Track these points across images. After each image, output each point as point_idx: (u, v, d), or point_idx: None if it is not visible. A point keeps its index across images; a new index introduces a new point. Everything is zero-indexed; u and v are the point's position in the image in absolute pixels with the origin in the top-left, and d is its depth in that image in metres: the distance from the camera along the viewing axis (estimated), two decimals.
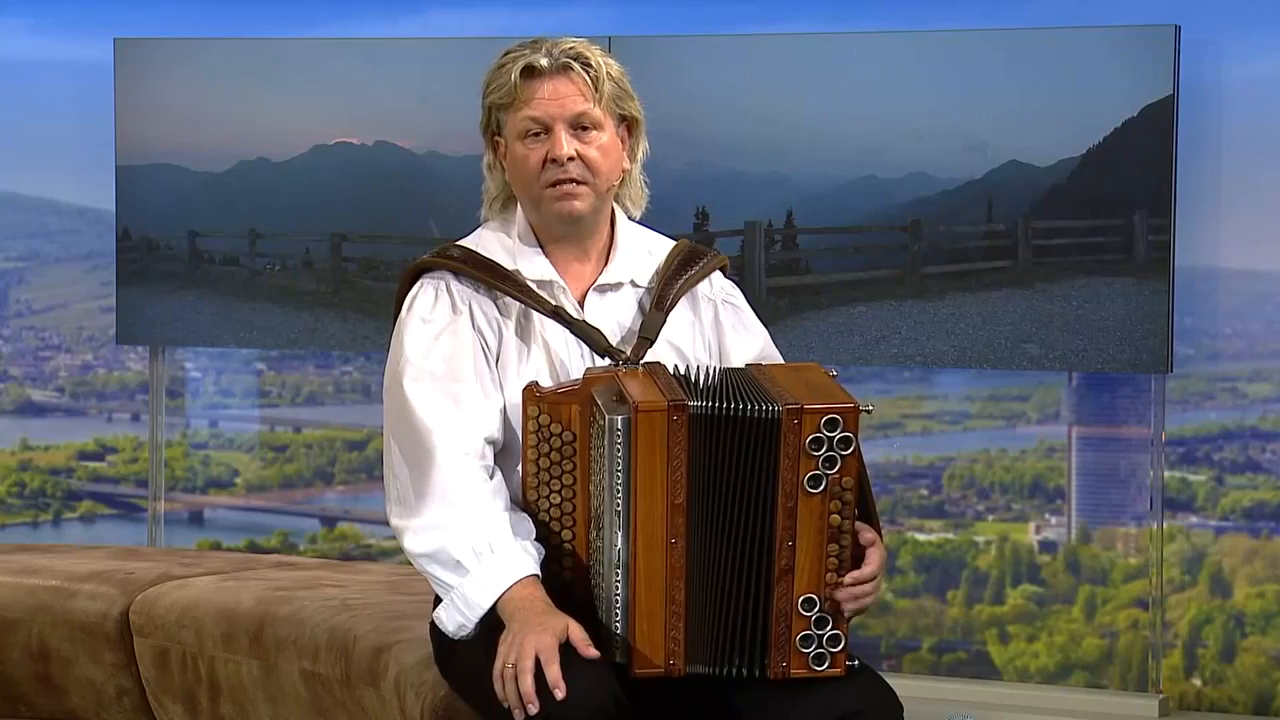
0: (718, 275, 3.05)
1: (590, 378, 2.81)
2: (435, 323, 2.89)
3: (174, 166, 5.65)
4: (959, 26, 5.10)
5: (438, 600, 2.83)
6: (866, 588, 2.78)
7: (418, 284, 2.94)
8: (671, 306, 2.95)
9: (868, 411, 2.75)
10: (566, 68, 2.87)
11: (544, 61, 2.87)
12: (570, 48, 2.89)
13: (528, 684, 2.63)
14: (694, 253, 3.04)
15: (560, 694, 2.61)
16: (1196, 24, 4.92)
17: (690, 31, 5.31)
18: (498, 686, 2.67)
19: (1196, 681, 5.15)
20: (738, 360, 2.98)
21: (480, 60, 3.01)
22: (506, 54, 2.91)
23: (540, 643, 2.65)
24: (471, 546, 2.75)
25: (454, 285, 2.92)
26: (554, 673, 2.62)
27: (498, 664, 2.67)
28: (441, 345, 2.87)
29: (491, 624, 2.75)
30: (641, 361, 2.88)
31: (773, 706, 2.78)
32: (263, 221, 5.61)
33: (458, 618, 2.78)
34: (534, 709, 2.62)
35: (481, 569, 2.75)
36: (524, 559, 2.75)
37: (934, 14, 5.20)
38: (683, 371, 2.82)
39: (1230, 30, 5.01)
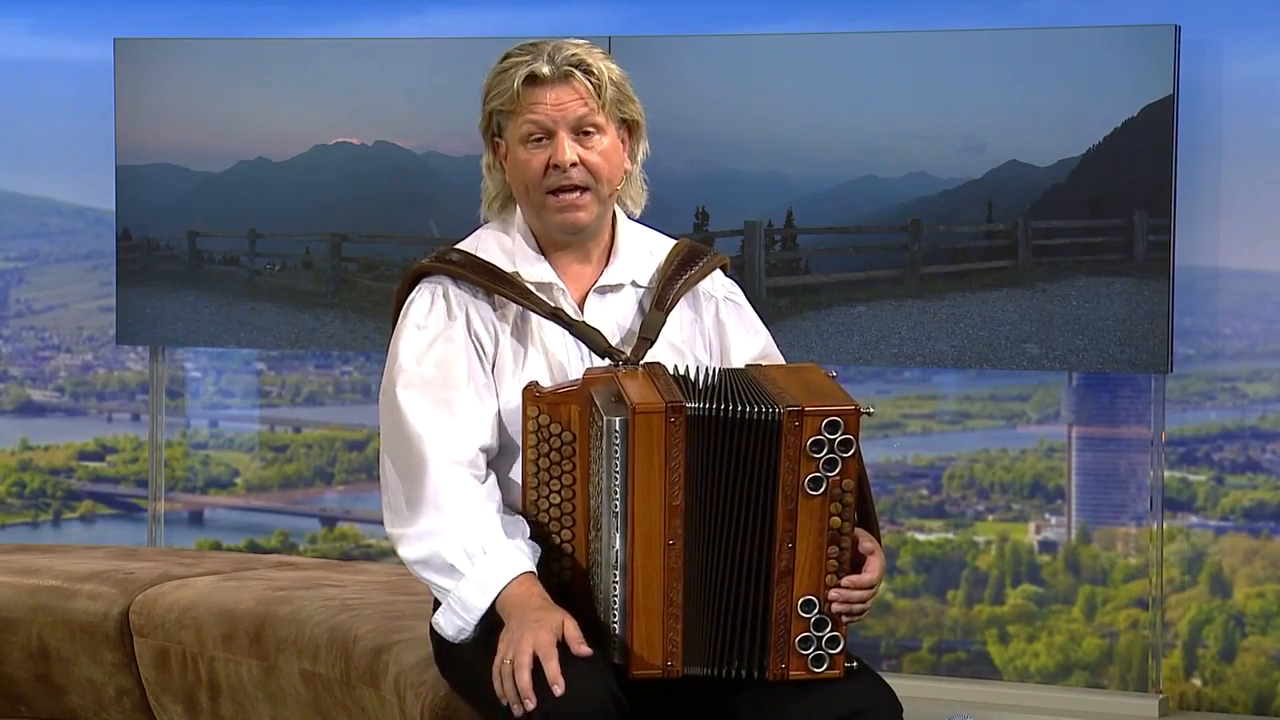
0: (719, 274, 3.05)
1: (590, 378, 2.80)
2: (430, 329, 2.89)
3: (174, 166, 5.64)
4: (959, 26, 5.10)
5: (438, 602, 2.83)
6: (861, 594, 2.77)
7: (415, 289, 2.93)
8: (672, 306, 2.95)
9: (869, 414, 2.75)
10: (569, 75, 2.87)
11: (546, 69, 2.86)
12: (573, 54, 2.88)
13: (524, 679, 2.63)
14: (694, 252, 3.03)
15: (559, 690, 2.61)
16: (1196, 24, 4.92)
17: (690, 31, 5.31)
18: (496, 683, 2.67)
19: (1196, 681, 5.14)
20: (739, 359, 2.98)
21: (480, 60, 3.01)
22: (507, 58, 2.90)
23: (538, 639, 2.65)
24: (464, 550, 2.76)
25: (451, 290, 2.91)
26: (552, 669, 2.63)
27: (496, 660, 2.67)
28: (435, 351, 2.87)
29: (491, 624, 2.75)
30: (641, 362, 2.87)
31: (773, 706, 2.77)
32: (263, 221, 5.61)
33: (456, 621, 2.78)
34: (531, 704, 2.62)
35: (476, 571, 2.75)
36: (518, 557, 2.75)
37: (934, 14, 5.20)
38: (682, 372, 2.81)
39: (1230, 30, 5.01)
